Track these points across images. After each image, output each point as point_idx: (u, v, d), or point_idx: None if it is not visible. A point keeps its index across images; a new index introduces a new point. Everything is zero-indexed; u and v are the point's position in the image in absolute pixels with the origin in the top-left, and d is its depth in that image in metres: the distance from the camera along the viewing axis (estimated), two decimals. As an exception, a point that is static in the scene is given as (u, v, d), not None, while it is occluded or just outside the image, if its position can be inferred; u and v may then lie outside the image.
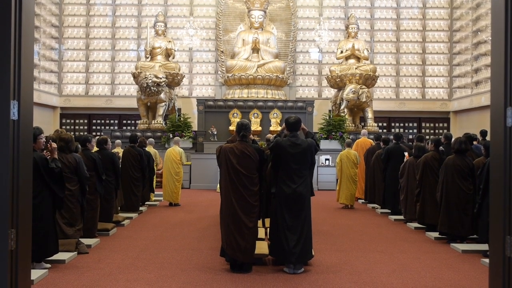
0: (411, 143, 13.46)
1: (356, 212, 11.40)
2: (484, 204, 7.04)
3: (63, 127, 20.88)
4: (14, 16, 3.32)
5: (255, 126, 16.80)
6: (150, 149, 12.35)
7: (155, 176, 12.49)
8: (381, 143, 12.00)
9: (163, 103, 17.84)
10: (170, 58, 19.02)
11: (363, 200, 12.79)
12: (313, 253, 6.36)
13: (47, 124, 19.82)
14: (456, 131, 19.43)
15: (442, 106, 21.21)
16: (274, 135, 7.56)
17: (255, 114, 17.45)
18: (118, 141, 12.74)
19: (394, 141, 11.12)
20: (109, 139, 9.29)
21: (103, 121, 21.58)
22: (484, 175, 7.06)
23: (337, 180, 12.50)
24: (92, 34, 21.43)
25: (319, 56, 21.40)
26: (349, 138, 13.78)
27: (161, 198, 12.53)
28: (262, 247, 6.57)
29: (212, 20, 21.18)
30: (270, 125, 17.29)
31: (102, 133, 18.09)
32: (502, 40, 3.40)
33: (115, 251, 7.06)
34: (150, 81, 16.94)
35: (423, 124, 21.54)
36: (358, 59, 18.76)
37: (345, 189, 11.75)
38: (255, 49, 19.15)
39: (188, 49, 20.96)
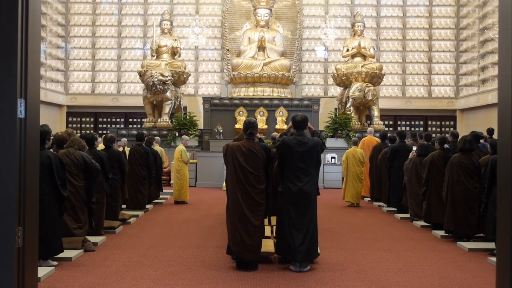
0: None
1: (362, 210, 11.38)
2: (490, 202, 7.02)
3: (70, 125, 20.99)
4: (20, 15, 3.33)
5: (261, 124, 16.78)
6: (156, 147, 12.40)
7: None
8: (387, 141, 11.96)
9: (169, 102, 17.87)
10: (176, 57, 19.06)
11: (369, 199, 12.77)
12: (319, 251, 6.35)
13: (53, 122, 19.90)
14: (463, 129, 19.36)
15: (448, 104, 21.14)
16: (280, 133, 7.56)
17: (261, 113, 17.45)
18: (157, 138, 13.36)
19: (398, 140, 11.06)
20: (116, 137, 9.33)
21: (109, 120, 21.66)
22: (488, 173, 7.04)
23: (343, 178, 12.48)
24: (98, 32, 21.49)
25: (325, 54, 21.38)
26: (355, 136, 13.74)
27: (168, 196, 12.58)
28: (268, 245, 6.57)
29: (218, 19, 21.19)
30: (276, 124, 17.29)
31: (108, 132, 18.13)
32: (510, 38, 3.37)
33: (121, 249, 7.08)
34: (156, 79, 16.97)
35: (430, 122, 21.47)
36: (364, 57, 18.74)
37: (351, 188, 11.74)
38: (261, 47, 19.15)
39: (194, 48, 20.99)
